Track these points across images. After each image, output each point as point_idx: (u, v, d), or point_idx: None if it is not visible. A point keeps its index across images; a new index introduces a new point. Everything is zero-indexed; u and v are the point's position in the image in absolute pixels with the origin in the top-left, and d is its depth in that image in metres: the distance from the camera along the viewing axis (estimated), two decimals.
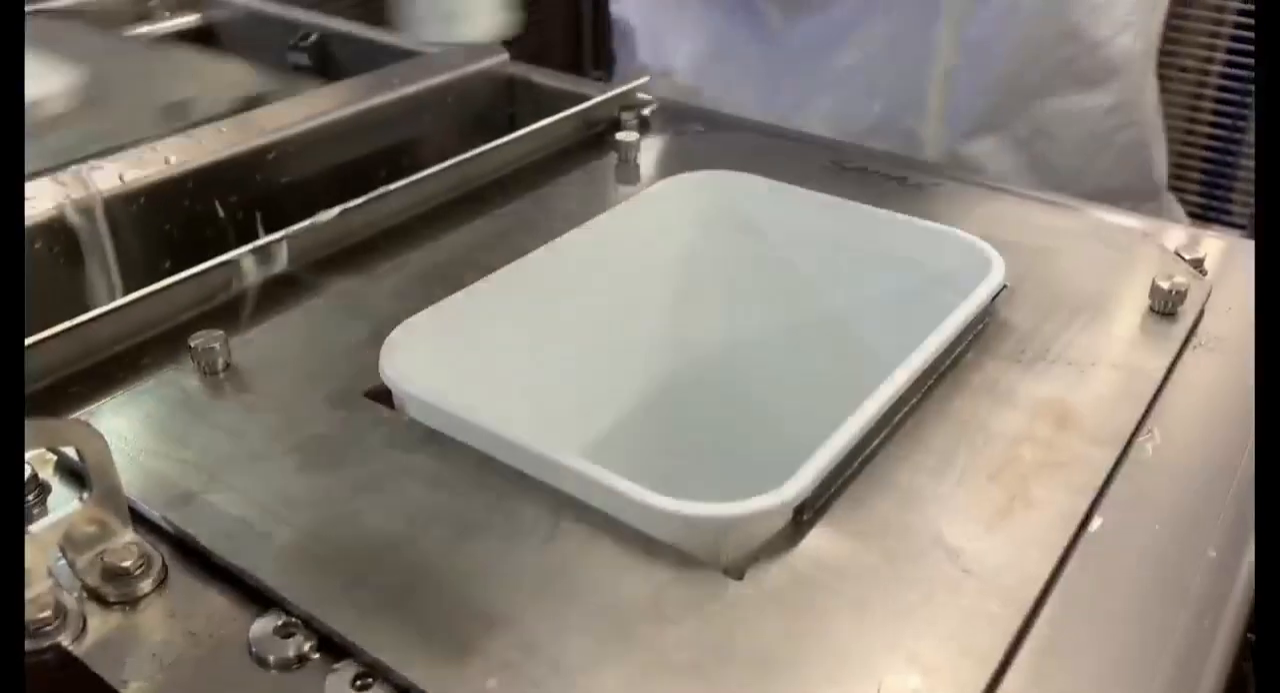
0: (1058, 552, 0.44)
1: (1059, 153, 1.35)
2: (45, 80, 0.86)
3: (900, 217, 0.64)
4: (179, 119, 0.83)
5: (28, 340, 0.53)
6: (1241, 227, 1.73)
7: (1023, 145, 1.34)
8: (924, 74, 1.32)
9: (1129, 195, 1.43)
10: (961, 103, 1.32)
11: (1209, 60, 1.78)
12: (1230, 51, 1.78)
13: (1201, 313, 0.60)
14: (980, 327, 0.58)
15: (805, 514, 0.45)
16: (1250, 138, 1.80)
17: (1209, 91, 1.80)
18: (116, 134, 0.76)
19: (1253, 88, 1.77)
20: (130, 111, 0.88)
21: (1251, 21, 1.73)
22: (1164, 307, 0.59)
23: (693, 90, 1.29)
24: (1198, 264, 0.64)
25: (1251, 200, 1.80)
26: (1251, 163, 1.81)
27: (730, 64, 1.37)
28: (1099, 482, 0.48)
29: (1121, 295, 0.61)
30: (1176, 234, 0.69)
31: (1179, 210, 1.46)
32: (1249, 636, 0.44)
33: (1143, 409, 0.52)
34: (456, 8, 0.90)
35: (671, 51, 1.43)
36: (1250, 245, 0.70)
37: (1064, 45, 1.31)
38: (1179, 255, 0.64)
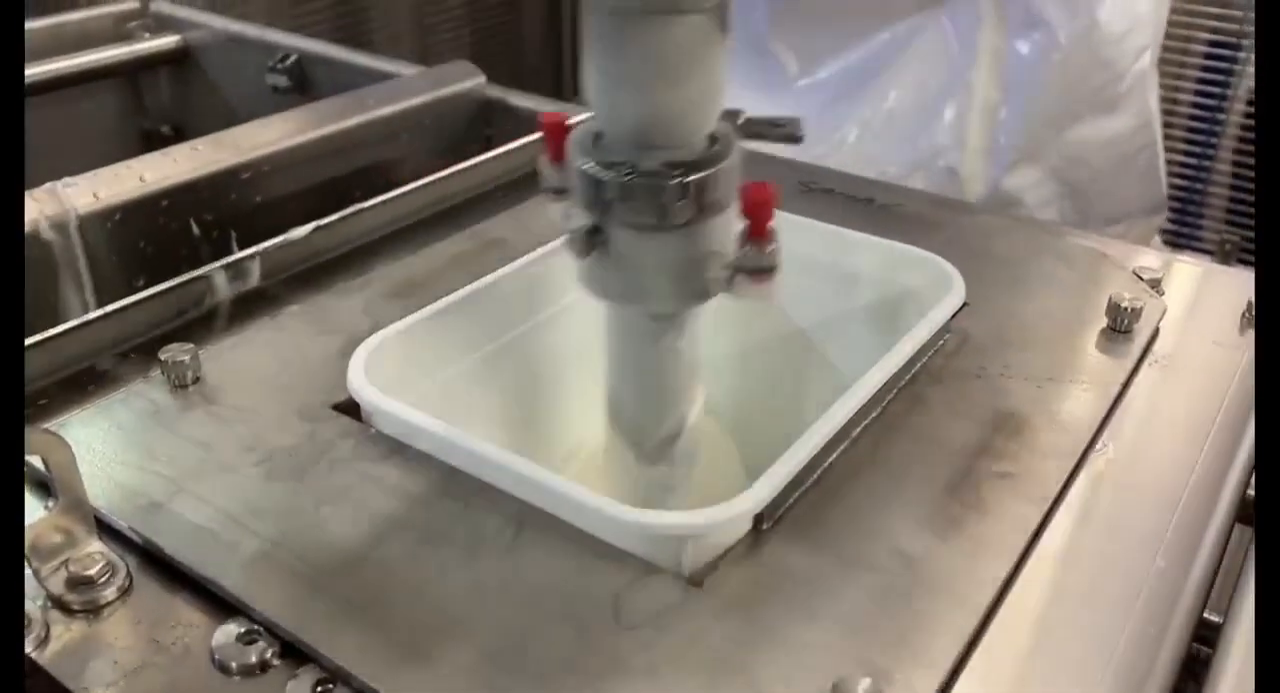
0: (1011, 561, 0.45)
1: (1090, 178, 1.38)
2: None
3: (863, 236, 0.66)
4: None
5: None
6: (1210, 253, 1.75)
7: (1058, 174, 1.36)
8: (963, 112, 1.33)
9: (1144, 211, 1.46)
10: (1002, 138, 1.33)
11: (1177, 90, 1.81)
12: (1200, 81, 1.81)
13: (1157, 331, 0.61)
14: (940, 343, 0.59)
15: (764, 523, 0.46)
16: (1220, 166, 1.84)
17: (1179, 120, 1.83)
18: None
19: (1221, 118, 1.80)
20: None
21: (1220, 53, 1.76)
22: (1120, 324, 0.60)
23: None
24: (1154, 284, 0.65)
25: (1220, 226, 1.83)
26: (1220, 191, 1.84)
27: (747, 110, 1.36)
28: (1052, 494, 0.49)
29: (1079, 313, 0.62)
30: (1135, 255, 0.70)
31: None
32: (1194, 646, 0.45)
33: (1097, 424, 0.53)
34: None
35: None
36: (1210, 268, 0.72)
37: (1093, 74, 1.33)
38: (1136, 275, 0.66)
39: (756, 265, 0.48)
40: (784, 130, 0.52)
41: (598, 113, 0.49)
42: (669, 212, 0.47)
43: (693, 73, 0.46)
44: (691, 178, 0.47)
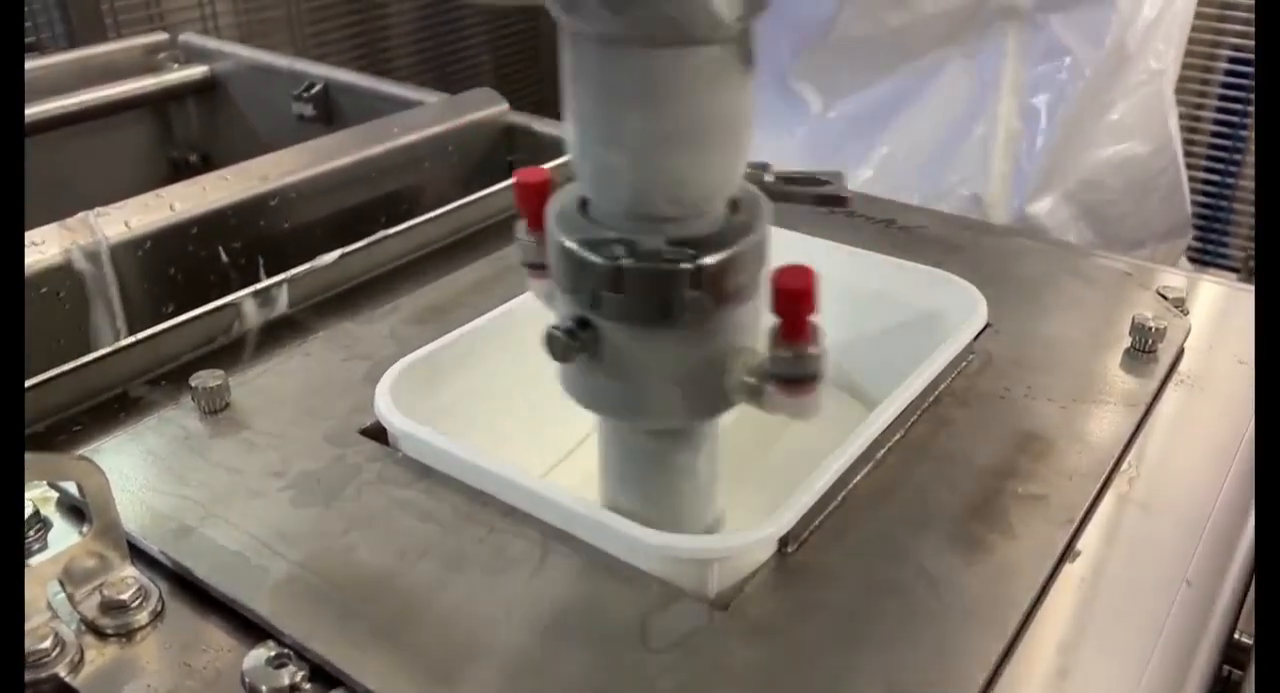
0: (1038, 583, 0.45)
1: (1110, 203, 1.38)
2: None
3: (886, 258, 0.66)
4: None
5: (34, 380, 0.55)
6: (1236, 270, 1.74)
7: (1079, 200, 1.37)
8: (986, 141, 1.34)
9: (1168, 234, 1.46)
10: (1024, 166, 1.34)
11: (1200, 106, 1.81)
12: (1223, 98, 1.81)
13: (1181, 351, 0.61)
14: (964, 364, 0.59)
15: (790, 546, 0.46)
16: (1244, 182, 1.83)
17: (1203, 137, 1.83)
18: None
19: (1245, 134, 1.80)
20: None
21: (1242, 70, 1.76)
22: (1144, 345, 0.60)
23: None
24: (1178, 303, 0.65)
25: (1245, 243, 1.82)
26: (1244, 207, 1.83)
27: (770, 146, 1.37)
28: (1079, 515, 0.49)
29: (1102, 333, 0.62)
30: (1158, 274, 0.70)
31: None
32: (1225, 667, 0.44)
33: (1122, 444, 0.53)
34: None
35: None
36: (1233, 286, 0.71)
37: (1114, 100, 1.34)
38: (1160, 295, 0.65)
39: (792, 373, 0.37)
40: (826, 189, 0.41)
41: (580, 172, 0.38)
42: (675, 305, 0.36)
43: (710, 122, 0.35)
44: (707, 261, 0.36)
